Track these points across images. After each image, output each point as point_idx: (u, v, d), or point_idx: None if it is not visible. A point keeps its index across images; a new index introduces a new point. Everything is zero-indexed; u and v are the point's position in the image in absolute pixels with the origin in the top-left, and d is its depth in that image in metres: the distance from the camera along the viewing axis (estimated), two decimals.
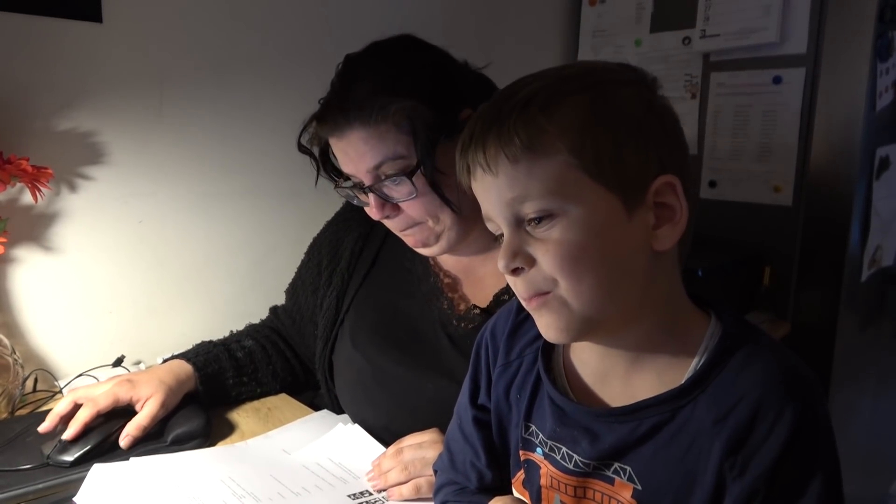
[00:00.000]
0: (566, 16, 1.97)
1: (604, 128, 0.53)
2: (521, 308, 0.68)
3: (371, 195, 0.89)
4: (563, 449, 0.59)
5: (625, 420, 0.56)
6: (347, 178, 0.93)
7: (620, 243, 0.53)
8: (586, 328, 0.55)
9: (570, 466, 0.58)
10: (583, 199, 0.52)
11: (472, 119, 0.57)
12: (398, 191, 0.88)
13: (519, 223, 0.55)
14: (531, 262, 0.54)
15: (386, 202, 0.89)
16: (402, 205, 0.89)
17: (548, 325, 0.56)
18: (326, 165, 0.95)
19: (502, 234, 0.57)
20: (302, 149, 0.93)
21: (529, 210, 0.53)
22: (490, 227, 0.59)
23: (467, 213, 0.91)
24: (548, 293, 0.54)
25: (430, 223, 0.90)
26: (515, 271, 0.55)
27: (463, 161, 0.57)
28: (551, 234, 0.53)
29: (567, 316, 0.54)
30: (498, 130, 0.54)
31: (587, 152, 0.52)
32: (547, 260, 0.53)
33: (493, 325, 0.70)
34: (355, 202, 0.95)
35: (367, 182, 0.88)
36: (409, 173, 0.85)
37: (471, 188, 0.58)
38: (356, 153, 0.87)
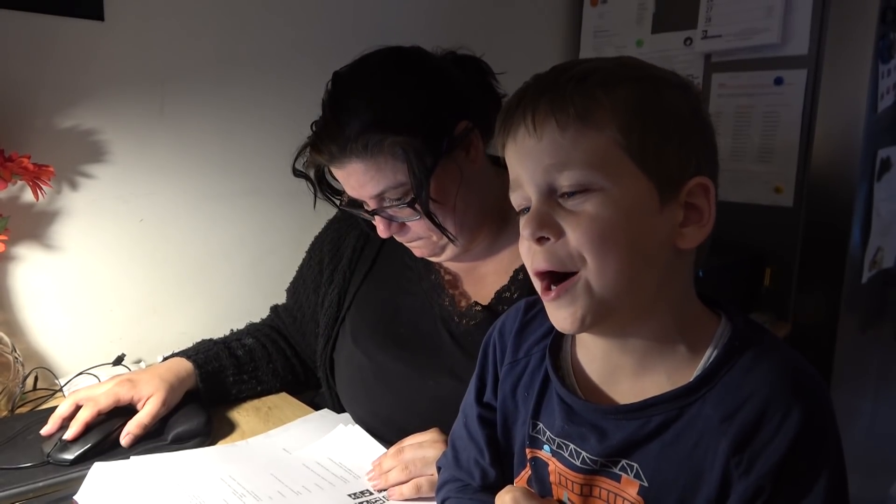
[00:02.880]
0: (567, 16, 1.97)
1: (654, 117, 0.54)
2: (528, 307, 0.68)
3: (377, 217, 0.91)
4: (571, 446, 0.59)
5: (633, 417, 0.56)
6: (345, 196, 0.94)
7: (648, 232, 0.53)
8: (601, 316, 0.54)
9: (578, 463, 0.58)
10: (621, 180, 0.53)
11: (522, 85, 0.57)
12: (403, 212, 0.89)
13: (551, 193, 0.54)
14: (559, 233, 0.53)
15: (392, 222, 0.91)
16: (407, 223, 0.91)
17: (564, 316, 0.55)
18: (322, 186, 0.95)
19: (525, 210, 0.56)
20: (297, 173, 0.93)
21: (566, 181, 0.53)
22: (514, 197, 0.58)
23: (471, 225, 0.92)
24: (575, 273, 0.53)
25: (435, 238, 0.92)
26: (540, 241, 0.54)
27: (505, 122, 0.57)
28: (584, 207, 0.53)
29: (586, 303, 0.54)
30: (552, 96, 0.54)
31: (635, 135, 0.53)
32: (578, 234, 0.53)
33: (501, 324, 0.70)
34: (361, 216, 0.95)
35: (371, 206, 0.90)
36: (410, 202, 0.86)
37: (503, 153, 0.58)
38: (357, 182, 0.88)
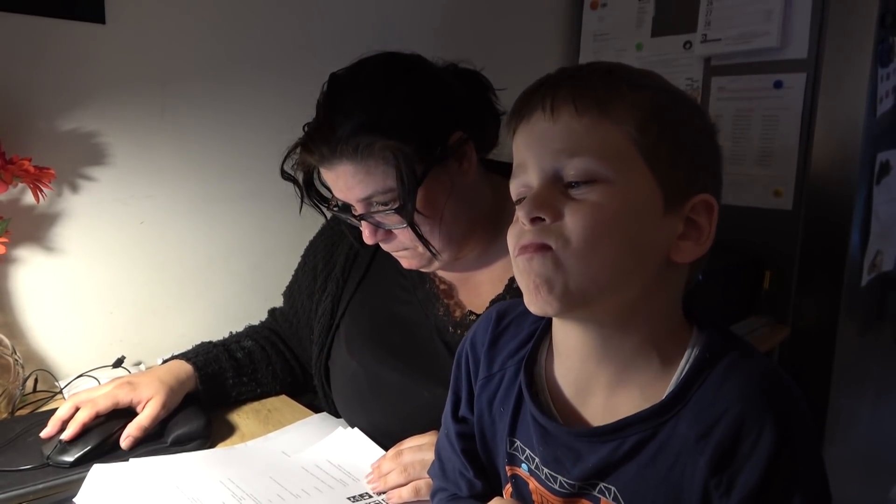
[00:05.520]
0: (567, 19, 1.97)
1: (671, 127, 0.53)
2: (500, 317, 0.66)
3: (363, 222, 0.90)
4: (546, 470, 0.58)
5: (607, 439, 0.55)
6: (334, 199, 0.93)
7: (646, 234, 0.52)
8: (575, 301, 0.52)
9: (556, 487, 0.57)
10: (630, 175, 0.51)
11: (545, 76, 0.56)
12: (389, 219, 0.88)
13: (556, 180, 0.52)
14: (557, 215, 0.51)
15: (378, 228, 0.90)
16: (394, 231, 0.89)
17: (538, 279, 0.52)
18: (311, 191, 0.94)
19: (522, 200, 0.54)
20: (286, 176, 0.92)
21: (573, 169, 0.51)
22: (514, 185, 0.56)
23: (459, 237, 0.91)
24: (550, 249, 0.51)
25: (421, 249, 0.90)
26: (535, 221, 0.52)
27: (521, 105, 0.56)
28: (589, 196, 0.51)
29: (559, 279, 0.51)
30: (576, 82, 0.53)
31: (651, 136, 0.52)
32: (576, 219, 0.51)
33: (472, 335, 0.68)
34: (349, 221, 0.94)
35: (358, 210, 0.89)
36: (398, 209, 0.85)
37: (512, 138, 0.57)
38: (345, 185, 0.87)
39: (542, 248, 0.52)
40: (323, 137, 0.85)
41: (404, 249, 0.92)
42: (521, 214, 0.53)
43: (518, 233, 0.54)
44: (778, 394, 0.52)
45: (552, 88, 0.54)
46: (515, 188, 0.56)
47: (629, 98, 0.52)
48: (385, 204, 0.86)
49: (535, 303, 0.53)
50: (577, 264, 0.51)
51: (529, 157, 0.54)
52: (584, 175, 0.51)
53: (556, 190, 0.52)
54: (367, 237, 0.91)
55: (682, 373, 0.54)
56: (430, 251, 0.89)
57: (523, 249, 0.53)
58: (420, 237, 0.87)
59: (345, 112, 0.85)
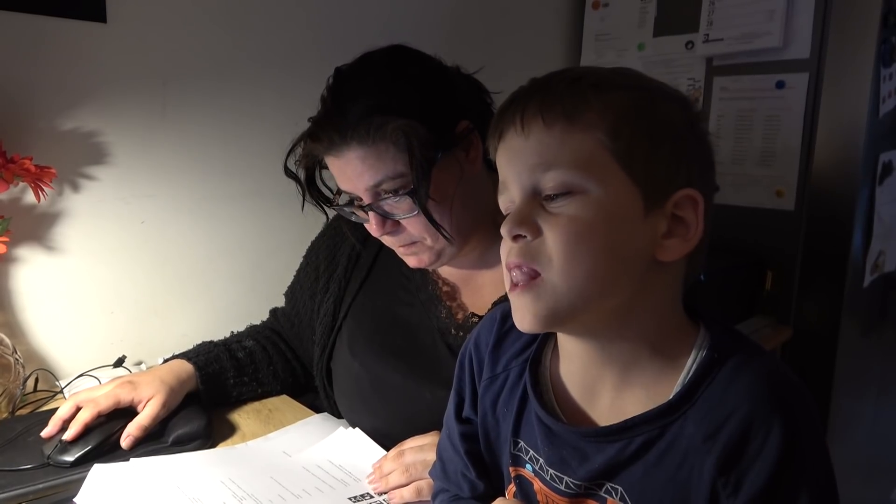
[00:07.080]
0: (568, 19, 1.97)
1: (644, 125, 0.53)
2: (505, 317, 0.66)
3: (371, 213, 0.88)
4: (552, 471, 0.58)
5: (614, 439, 0.55)
6: (338, 197, 0.92)
7: (628, 239, 0.52)
8: (564, 317, 0.53)
9: (562, 487, 0.57)
10: (606, 182, 0.52)
11: (517, 88, 0.57)
12: (399, 207, 0.87)
13: (535, 194, 0.54)
14: (536, 232, 0.53)
15: (386, 219, 0.88)
16: (402, 222, 0.88)
17: (524, 309, 0.54)
18: (312, 189, 0.93)
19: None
20: (289, 173, 0.91)
21: (550, 182, 0.52)
22: (502, 201, 0.57)
23: (467, 229, 0.91)
24: (538, 276, 0.53)
25: (429, 241, 0.89)
26: (517, 238, 0.54)
27: (497, 123, 0.57)
28: (566, 210, 0.52)
29: (548, 302, 0.52)
30: (543, 95, 0.54)
31: (623, 139, 0.52)
32: (554, 234, 0.52)
33: (476, 336, 0.69)
34: (353, 219, 0.93)
35: (366, 200, 0.87)
36: (411, 192, 0.84)
37: (495, 155, 0.58)
38: (354, 172, 0.85)
39: (532, 277, 0.53)
40: (332, 124, 0.84)
41: (411, 244, 0.91)
42: (503, 232, 0.54)
43: (507, 250, 0.55)
44: (786, 394, 0.52)
45: (522, 103, 0.54)
46: (503, 204, 0.58)
47: (597, 103, 0.52)
48: (395, 192, 0.85)
49: (523, 324, 0.55)
50: (563, 283, 0.52)
51: (510, 174, 0.55)
52: (560, 187, 0.52)
53: (535, 204, 0.53)
54: (375, 229, 0.89)
55: (689, 372, 0.54)
56: (444, 234, 0.87)
57: (511, 286, 0.54)
58: (432, 221, 0.85)
59: (353, 98, 0.84)
